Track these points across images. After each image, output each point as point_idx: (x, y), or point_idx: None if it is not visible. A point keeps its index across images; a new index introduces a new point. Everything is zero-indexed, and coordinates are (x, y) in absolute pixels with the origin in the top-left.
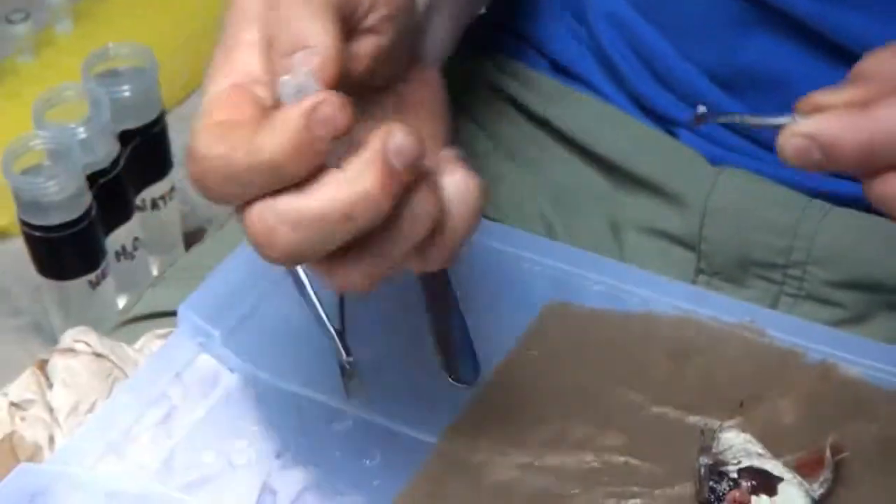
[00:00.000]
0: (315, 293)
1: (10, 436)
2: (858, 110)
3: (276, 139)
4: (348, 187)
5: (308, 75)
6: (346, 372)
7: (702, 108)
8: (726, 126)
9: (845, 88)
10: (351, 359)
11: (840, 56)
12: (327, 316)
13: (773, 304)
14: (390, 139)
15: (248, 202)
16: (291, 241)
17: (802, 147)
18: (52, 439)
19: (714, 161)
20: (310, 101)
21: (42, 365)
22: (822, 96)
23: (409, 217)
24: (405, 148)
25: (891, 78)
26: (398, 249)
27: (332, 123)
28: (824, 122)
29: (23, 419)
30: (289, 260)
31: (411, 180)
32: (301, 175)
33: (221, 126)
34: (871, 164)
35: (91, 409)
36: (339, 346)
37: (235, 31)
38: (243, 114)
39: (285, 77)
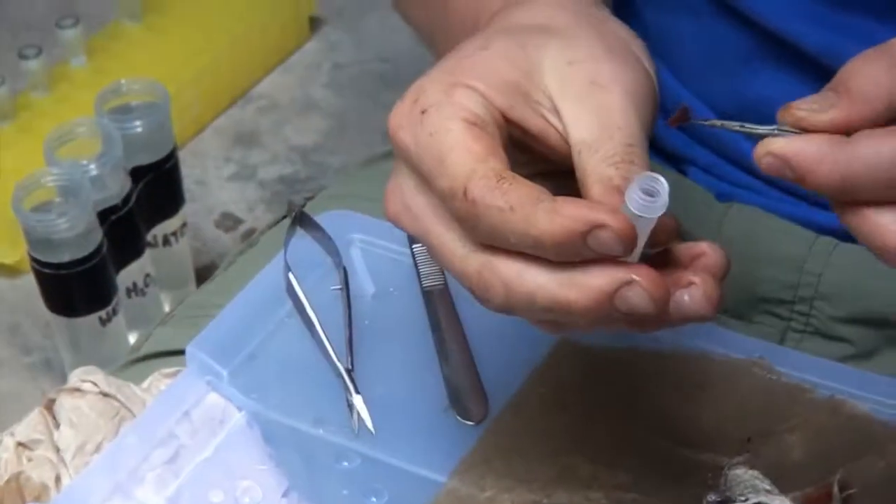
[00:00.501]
0: (324, 332)
1: (17, 476)
2: (838, 143)
3: (555, 232)
4: (567, 291)
5: (657, 183)
6: (354, 410)
7: (684, 105)
8: (734, 163)
9: (828, 105)
10: (359, 396)
11: None
12: (336, 354)
13: (781, 340)
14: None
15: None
16: (501, 302)
17: (776, 165)
18: (58, 479)
19: (722, 197)
20: (623, 274)
21: (49, 405)
22: (804, 111)
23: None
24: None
25: (875, 98)
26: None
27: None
28: (802, 147)
29: (30, 459)
30: (501, 312)
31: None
32: (549, 257)
33: (500, 178)
34: (845, 196)
35: (98, 449)
36: (349, 383)
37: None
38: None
39: (640, 179)
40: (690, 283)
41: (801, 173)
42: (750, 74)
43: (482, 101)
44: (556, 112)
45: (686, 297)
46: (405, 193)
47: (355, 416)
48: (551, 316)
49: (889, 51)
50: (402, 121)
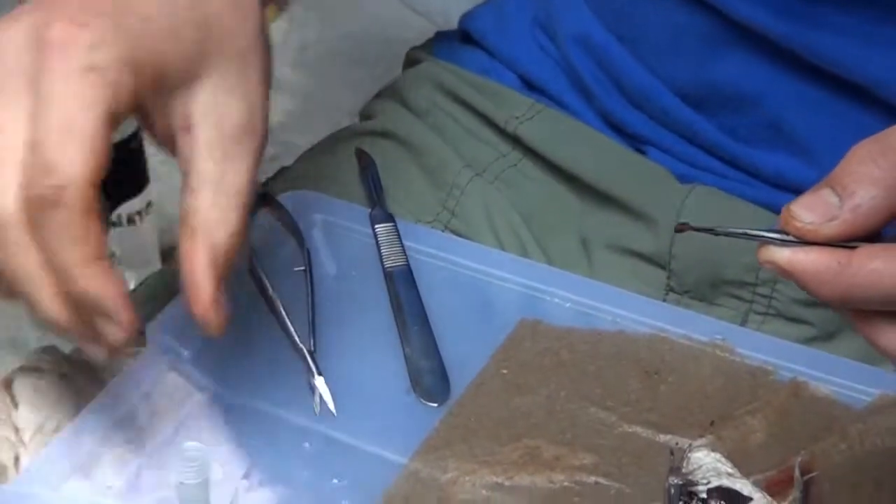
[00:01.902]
0: (286, 313)
1: None
2: (838, 262)
3: None
4: None
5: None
6: (316, 391)
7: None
8: (695, 144)
9: (830, 216)
10: (321, 378)
11: (812, 76)
12: (298, 336)
13: (743, 322)
14: None
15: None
16: None
17: (778, 273)
18: (17, 459)
19: (683, 179)
20: None
21: (8, 384)
22: (807, 225)
23: None
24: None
25: (879, 211)
26: None
27: None
28: (803, 265)
29: None
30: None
31: None
32: None
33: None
34: (847, 307)
35: (57, 429)
36: (311, 364)
37: None
38: None
39: None
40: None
41: (802, 285)
42: (714, 59)
43: None
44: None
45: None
46: None
47: (317, 397)
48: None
49: (889, 150)
50: None
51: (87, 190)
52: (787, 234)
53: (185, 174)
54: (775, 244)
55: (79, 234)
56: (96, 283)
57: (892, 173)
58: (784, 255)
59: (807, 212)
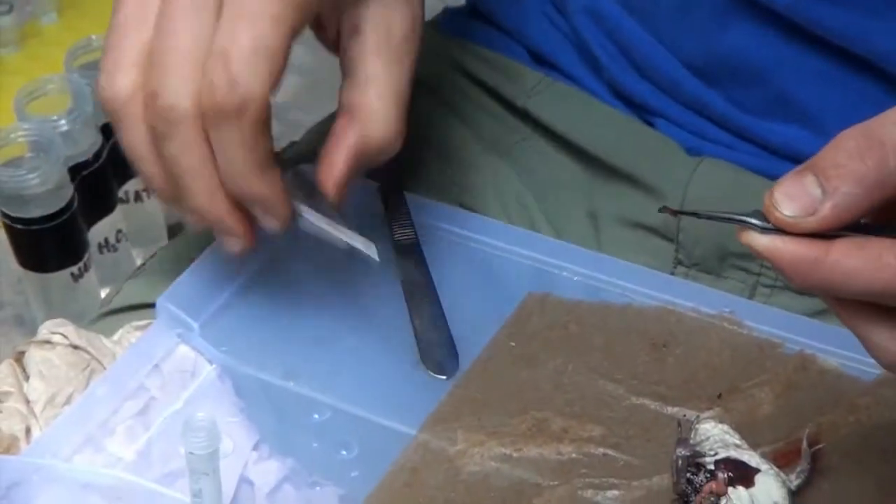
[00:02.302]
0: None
1: None
2: (816, 256)
3: None
4: None
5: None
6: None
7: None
8: (704, 116)
9: (812, 210)
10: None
11: (819, 48)
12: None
13: (750, 295)
14: None
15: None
16: None
17: (756, 255)
18: (28, 431)
19: (692, 151)
20: None
21: (19, 357)
22: (785, 215)
23: None
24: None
25: (861, 206)
26: None
27: None
28: (782, 254)
29: None
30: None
31: None
32: None
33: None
34: (827, 296)
35: (68, 402)
36: (359, 242)
37: None
38: None
39: None
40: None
41: (779, 272)
42: (722, 31)
43: None
44: None
45: None
46: None
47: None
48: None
49: (878, 146)
50: None
51: (266, 104)
52: (767, 224)
53: (349, 75)
54: (756, 230)
55: (252, 144)
56: (262, 187)
57: (877, 171)
58: (763, 242)
59: (788, 203)
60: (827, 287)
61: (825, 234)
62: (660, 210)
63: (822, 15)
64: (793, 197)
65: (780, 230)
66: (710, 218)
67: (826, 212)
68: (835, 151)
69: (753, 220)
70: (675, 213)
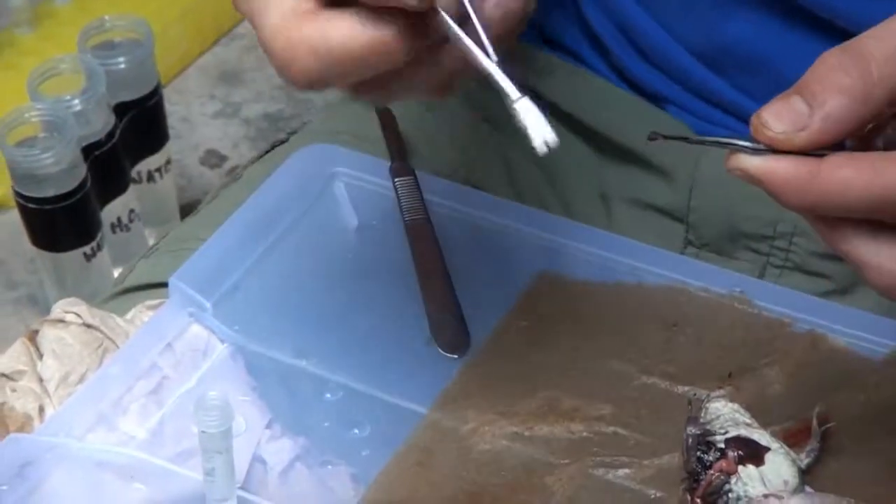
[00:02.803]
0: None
1: (1, 406)
2: (809, 170)
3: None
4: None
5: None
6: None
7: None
8: (712, 103)
9: (801, 126)
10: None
11: (826, 33)
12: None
13: (760, 276)
14: None
15: None
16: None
17: (747, 180)
18: (42, 410)
19: (701, 133)
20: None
21: (32, 336)
22: (778, 134)
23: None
24: None
25: (847, 118)
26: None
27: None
28: (774, 171)
29: (13, 390)
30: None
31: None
32: None
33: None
34: (815, 214)
35: (81, 380)
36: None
37: None
38: None
39: None
40: None
41: (771, 194)
42: (727, 19)
43: None
44: None
45: None
46: None
47: (528, 122)
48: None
49: (860, 59)
50: None
51: None
52: (758, 143)
53: None
54: (746, 152)
55: None
56: None
57: (862, 81)
58: (754, 163)
59: (777, 120)
60: (823, 203)
61: (814, 154)
62: (649, 138)
63: None
64: (781, 115)
65: (770, 151)
66: (699, 142)
67: (816, 124)
68: (818, 68)
69: (743, 142)
70: (665, 138)
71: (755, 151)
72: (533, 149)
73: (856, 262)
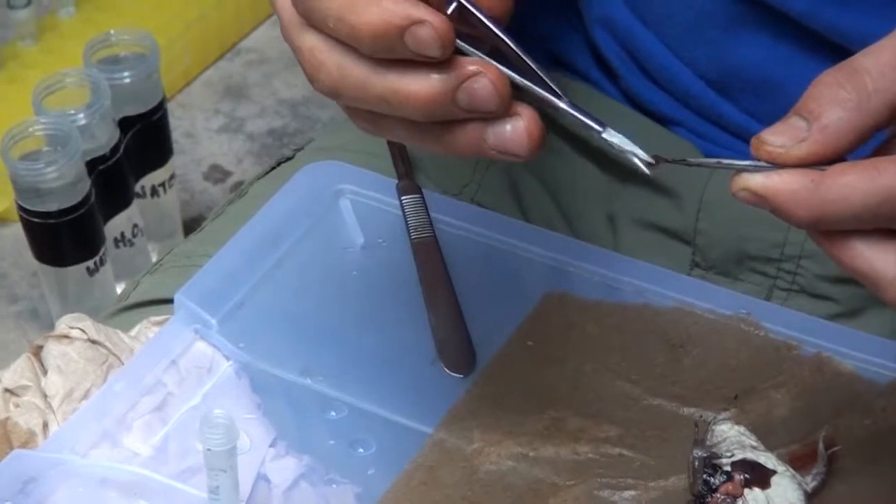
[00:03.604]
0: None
1: (4, 422)
2: (812, 181)
3: (372, 22)
4: (408, 81)
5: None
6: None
7: (649, 158)
8: (720, 126)
9: (800, 139)
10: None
11: (835, 56)
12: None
13: (767, 298)
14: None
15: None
16: (331, 85)
17: (754, 200)
18: (46, 426)
19: (709, 156)
20: (469, 67)
21: (37, 351)
22: (778, 147)
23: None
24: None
25: (846, 131)
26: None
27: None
28: (777, 187)
29: (17, 405)
30: (328, 95)
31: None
32: (364, 50)
33: None
34: (821, 228)
35: (85, 396)
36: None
37: None
38: None
39: None
40: (515, 114)
41: (777, 211)
42: (736, 43)
43: None
44: None
45: (508, 128)
46: None
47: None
48: (384, 107)
49: (854, 74)
50: None
51: None
52: (759, 161)
53: None
54: (748, 171)
55: None
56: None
57: (857, 94)
58: (758, 180)
59: (776, 136)
60: (828, 211)
61: (815, 167)
62: (649, 166)
63: (837, 20)
64: (780, 132)
65: (772, 168)
66: (699, 165)
67: (815, 135)
68: (813, 89)
69: (744, 162)
70: (664, 161)
71: (757, 169)
72: (641, 170)
73: (869, 277)
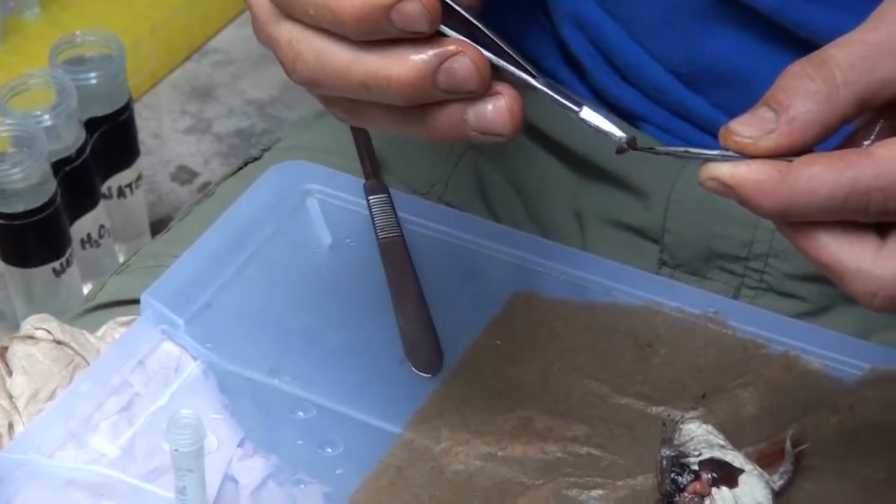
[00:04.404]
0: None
1: None
2: (779, 173)
3: (355, 5)
4: (388, 64)
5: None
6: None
7: (625, 137)
8: (689, 121)
9: (768, 130)
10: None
11: (804, 50)
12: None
13: (735, 297)
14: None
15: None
16: (309, 75)
17: (721, 189)
18: (11, 427)
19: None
20: (448, 46)
21: (2, 352)
22: (746, 138)
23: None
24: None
25: (813, 123)
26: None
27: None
28: (745, 177)
29: None
30: (307, 85)
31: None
32: (348, 35)
33: None
34: (788, 220)
35: (51, 397)
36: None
37: None
38: None
39: None
40: (496, 93)
41: (743, 201)
42: (705, 36)
43: None
44: None
45: (490, 107)
46: None
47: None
48: (364, 93)
49: (823, 65)
50: None
51: None
52: (727, 152)
53: None
54: (716, 160)
55: None
56: None
57: (826, 86)
58: (726, 170)
59: (745, 127)
60: (795, 202)
61: (783, 159)
62: (617, 151)
63: (807, 16)
64: (748, 123)
65: (740, 158)
66: (667, 154)
67: (783, 127)
68: (782, 80)
69: (712, 152)
70: (632, 149)
71: (725, 159)
72: (619, 143)
73: (836, 270)
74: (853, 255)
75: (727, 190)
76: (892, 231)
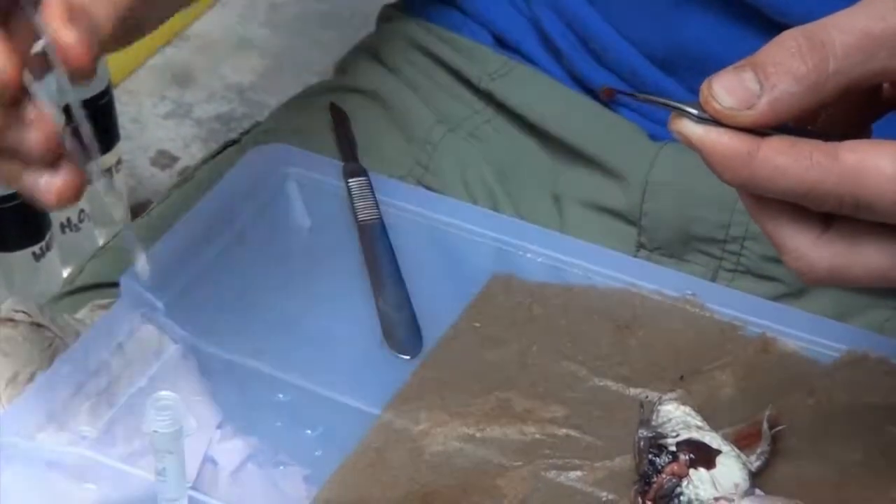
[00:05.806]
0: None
1: None
2: (748, 150)
3: None
4: None
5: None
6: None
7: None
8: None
9: (750, 103)
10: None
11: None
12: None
13: (712, 279)
14: None
15: None
16: None
17: (686, 144)
18: None
19: (654, 137)
20: None
21: None
22: (723, 105)
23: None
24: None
25: (795, 104)
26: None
27: None
28: (714, 145)
29: None
30: None
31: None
32: None
33: None
34: (745, 191)
35: (31, 379)
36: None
37: None
38: None
39: None
40: (57, 169)
41: (708, 164)
42: (681, 20)
43: None
44: None
45: (42, 180)
46: None
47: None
48: None
49: (819, 48)
50: None
51: None
52: (704, 112)
53: None
54: (692, 119)
55: None
56: None
57: (816, 73)
58: (697, 132)
59: (727, 95)
60: (755, 183)
61: (756, 131)
62: (599, 93)
63: (785, 0)
64: (731, 90)
65: (714, 121)
66: (647, 101)
67: (763, 107)
68: (776, 49)
69: (690, 109)
70: (614, 93)
71: (700, 120)
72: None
73: (776, 242)
74: (795, 235)
75: (692, 148)
76: (836, 222)
